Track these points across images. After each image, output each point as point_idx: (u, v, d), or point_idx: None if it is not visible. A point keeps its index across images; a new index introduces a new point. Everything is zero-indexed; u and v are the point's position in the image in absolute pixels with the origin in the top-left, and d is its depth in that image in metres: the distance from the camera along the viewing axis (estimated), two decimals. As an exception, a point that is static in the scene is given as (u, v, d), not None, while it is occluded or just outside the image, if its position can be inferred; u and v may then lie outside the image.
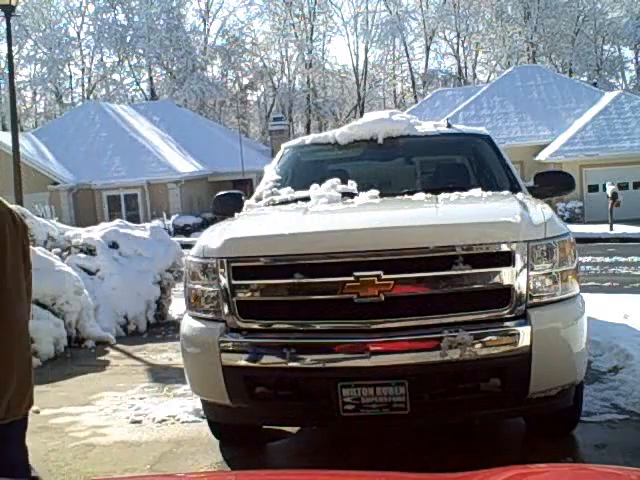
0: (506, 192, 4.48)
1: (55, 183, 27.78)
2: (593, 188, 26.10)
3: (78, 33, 50.07)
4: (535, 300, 3.41)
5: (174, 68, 48.96)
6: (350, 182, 4.59)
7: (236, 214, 4.54)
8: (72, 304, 7.41)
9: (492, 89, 31.96)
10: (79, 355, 7.21)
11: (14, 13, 13.15)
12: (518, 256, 3.37)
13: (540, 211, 3.72)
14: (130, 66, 50.87)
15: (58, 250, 8.36)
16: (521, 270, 3.37)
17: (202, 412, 4.29)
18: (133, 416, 4.93)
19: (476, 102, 31.00)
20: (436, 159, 5.71)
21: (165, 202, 29.42)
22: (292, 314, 3.50)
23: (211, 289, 3.63)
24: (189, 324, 3.77)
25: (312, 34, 50.00)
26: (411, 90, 52.37)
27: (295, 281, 3.42)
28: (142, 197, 29.94)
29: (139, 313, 8.27)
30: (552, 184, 5.13)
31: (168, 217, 28.17)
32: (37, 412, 5.28)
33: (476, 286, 3.37)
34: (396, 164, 5.43)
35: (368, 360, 3.33)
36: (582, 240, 15.62)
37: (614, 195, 22.61)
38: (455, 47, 51.21)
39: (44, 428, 4.90)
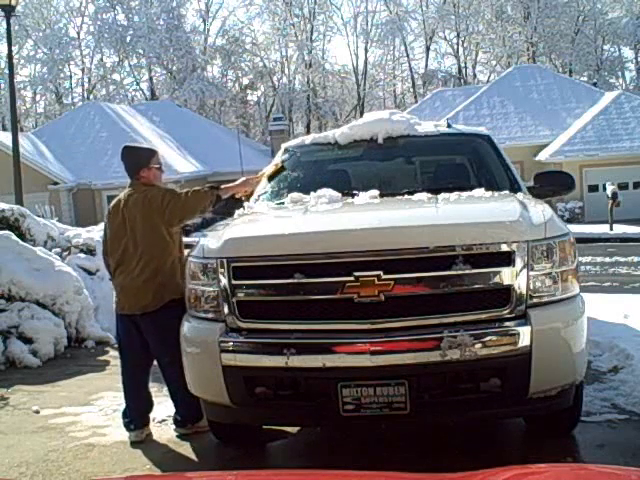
0: (506, 192, 4.47)
1: (55, 183, 27.73)
2: (593, 188, 26.09)
3: (78, 33, 50.01)
4: (535, 300, 3.41)
5: (174, 68, 48.90)
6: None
7: (236, 214, 4.54)
8: (72, 304, 7.42)
9: (492, 89, 31.93)
10: (79, 355, 7.21)
11: (14, 13, 13.19)
12: (518, 256, 3.37)
13: (540, 211, 3.72)
14: (130, 66, 50.79)
15: (58, 250, 8.36)
16: (521, 270, 3.37)
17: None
18: (133, 416, 4.92)
19: (476, 102, 30.97)
20: (436, 159, 5.70)
21: (165, 202, 29.26)
22: (292, 314, 3.49)
23: (211, 289, 3.63)
24: (189, 324, 3.78)
25: (312, 34, 49.90)
26: (411, 90, 52.30)
27: (295, 281, 3.42)
28: (142, 197, 29.79)
29: (139, 313, 8.25)
30: (552, 184, 5.11)
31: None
32: (37, 412, 5.28)
33: (476, 286, 3.37)
34: (396, 164, 5.41)
35: (368, 360, 3.33)
36: (582, 240, 15.62)
37: (614, 195, 22.59)
38: (455, 47, 51.16)
39: (44, 428, 4.90)
